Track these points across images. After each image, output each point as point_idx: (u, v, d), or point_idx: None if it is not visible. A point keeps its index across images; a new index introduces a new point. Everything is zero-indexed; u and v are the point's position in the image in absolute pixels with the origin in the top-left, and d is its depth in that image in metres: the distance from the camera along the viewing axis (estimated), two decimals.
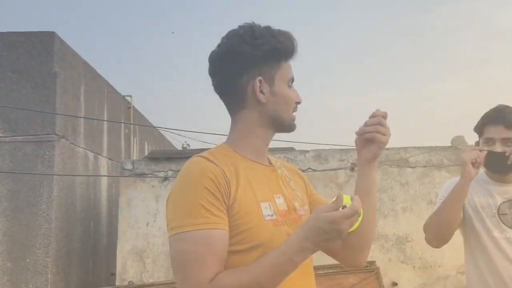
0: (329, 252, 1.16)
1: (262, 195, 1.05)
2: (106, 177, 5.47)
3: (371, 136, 1.09)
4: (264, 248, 0.98)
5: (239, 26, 1.09)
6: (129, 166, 4.19)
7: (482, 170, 1.70)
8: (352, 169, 4.15)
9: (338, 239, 0.96)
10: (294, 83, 1.14)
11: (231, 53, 1.08)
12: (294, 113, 1.13)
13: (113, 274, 4.94)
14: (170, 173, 4.19)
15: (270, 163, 1.16)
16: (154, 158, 4.21)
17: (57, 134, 4.17)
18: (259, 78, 1.07)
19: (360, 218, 0.99)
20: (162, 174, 4.17)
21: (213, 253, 0.94)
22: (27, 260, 3.95)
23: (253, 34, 1.06)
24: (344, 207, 0.93)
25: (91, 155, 5.03)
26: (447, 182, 1.83)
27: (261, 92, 1.08)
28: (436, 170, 4.09)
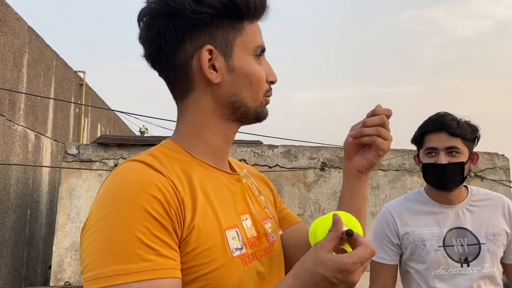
0: None
1: (227, 218, 0.74)
2: (49, 160, 4.90)
3: (370, 140, 0.82)
4: None
5: None
6: (73, 150, 3.68)
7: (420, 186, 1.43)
8: (322, 169, 3.85)
9: None
10: (265, 54, 0.81)
11: (165, 11, 0.73)
12: (267, 98, 0.81)
13: (51, 268, 4.44)
14: (121, 161, 3.72)
15: (232, 169, 0.85)
16: (103, 143, 3.72)
17: None
18: (208, 47, 0.74)
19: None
20: (112, 163, 3.70)
21: None
22: None
23: None
24: (349, 233, 0.68)
25: (31, 134, 4.46)
26: (380, 214, 1.59)
27: (212, 67, 0.75)
28: (408, 175, 3.88)
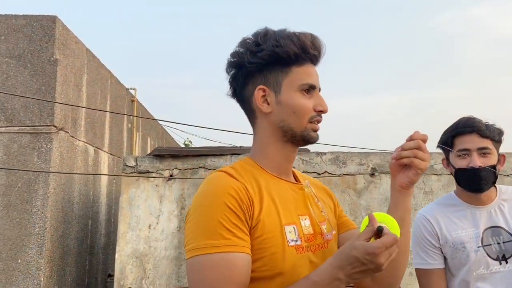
0: (356, 284, 1.06)
1: (287, 217, 0.96)
2: (106, 172, 5.17)
3: (409, 161, 0.99)
4: (285, 278, 0.90)
5: (252, 34, 1.02)
6: (132, 163, 3.89)
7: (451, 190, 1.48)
8: (372, 174, 3.85)
9: (375, 272, 0.86)
10: (318, 91, 1.02)
11: (235, 63, 1.02)
12: (313, 124, 1.00)
13: (111, 276, 4.66)
14: (175, 172, 3.89)
15: (296, 179, 1.07)
16: (159, 155, 3.91)
17: (55, 126, 3.88)
18: (261, 86, 1.00)
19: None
20: (167, 173, 3.87)
21: (235, 280, 0.86)
22: (19, 261, 3.66)
23: (255, 41, 0.99)
24: (379, 229, 0.86)
25: (91, 149, 4.74)
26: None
27: (265, 101, 1.00)
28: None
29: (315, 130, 1.01)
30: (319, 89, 1.02)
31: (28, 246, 3.68)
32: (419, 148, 0.98)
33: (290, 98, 0.98)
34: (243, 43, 1.01)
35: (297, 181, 1.06)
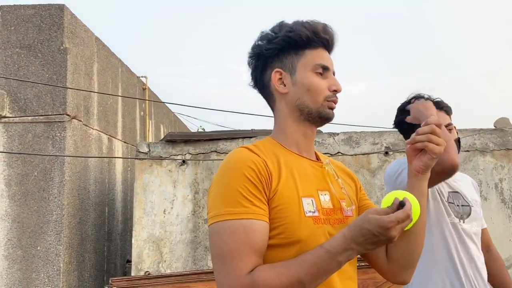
0: (372, 264, 1.10)
1: (305, 190, 1.01)
2: (121, 161, 5.22)
3: (423, 146, 1.03)
4: (302, 246, 0.95)
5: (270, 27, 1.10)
6: (145, 149, 3.91)
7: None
8: (386, 153, 3.80)
9: (387, 244, 0.94)
10: (332, 72, 1.09)
11: (254, 53, 1.11)
12: (329, 102, 1.06)
13: (129, 262, 4.74)
14: (188, 156, 3.90)
15: (318, 159, 1.12)
16: (171, 140, 3.92)
17: (68, 115, 3.91)
18: (277, 69, 1.07)
19: (414, 220, 0.95)
20: (179, 158, 3.89)
21: (252, 245, 0.91)
22: (38, 248, 3.74)
23: (272, 30, 1.08)
24: (401, 204, 0.89)
25: (105, 137, 4.78)
26: (390, 165, 1.73)
27: (282, 83, 1.07)
28: (480, 155, 3.72)
29: (331, 108, 1.06)
30: (333, 73, 1.09)
31: (46, 233, 3.75)
32: (433, 132, 1.01)
33: (304, 78, 1.05)
34: (261, 35, 1.10)
35: (318, 160, 1.12)
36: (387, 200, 0.95)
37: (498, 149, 3.70)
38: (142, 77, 6.36)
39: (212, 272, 3.63)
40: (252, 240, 0.91)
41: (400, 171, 1.56)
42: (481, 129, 3.78)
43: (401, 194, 0.94)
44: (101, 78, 4.75)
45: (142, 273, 3.69)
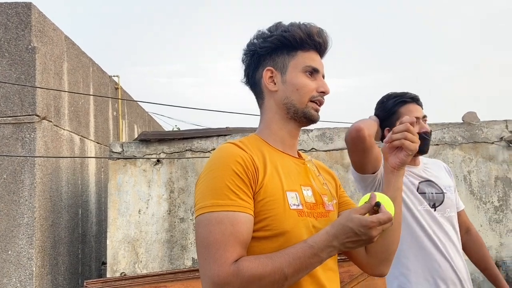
0: (352, 258, 1.14)
1: (289, 184, 1.04)
2: (94, 162, 5.13)
3: (400, 143, 1.10)
4: (287, 237, 0.97)
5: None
6: (118, 149, 3.86)
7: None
8: None
9: (367, 244, 0.96)
10: (321, 75, 1.12)
11: (248, 51, 1.14)
12: (314, 103, 1.10)
13: (104, 264, 4.67)
14: (162, 155, 3.88)
15: (300, 156, 1.16)
16: (145, 140, 3.88)
17: (38, 116, 3.82)
18: (269, 68, 1.10)
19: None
20: (154, 157, 3.85)
21: (237, 236, 0.94)
22: (9, 252, 3.64)
23: (268, 29, 1.11)
24: (377, 205, 0.94)
25: (77, 138, 4.68)
26: None
27: (272, 81, 1.10)
28: (449, 148, 3.84)
29: (316, 110, 1.10)
30: (323, 76, 1.13)
31: (17, 237, 3.65)
32: (408, 130, 1.08)
33: (294, 78, 1.09)
34: (258, 33, 1.13)
35: (300, 158, 1.16)
36: (364, 200, 1.00)
37: (466, 142, 3.83)
38: (114, 76, 6.26)
39: (189, 271, 3.60)
40: (238, 231, 0.94)
41: None
42: (450, 123, 3.89)
43: (378, 196, 0.98)
44: (72, 77, 4.66)
45: (118, 275, 3.65)
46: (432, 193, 1.69)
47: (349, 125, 4.07)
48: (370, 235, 0.92)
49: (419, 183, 1.70)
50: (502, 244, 3.69)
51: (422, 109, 1.72)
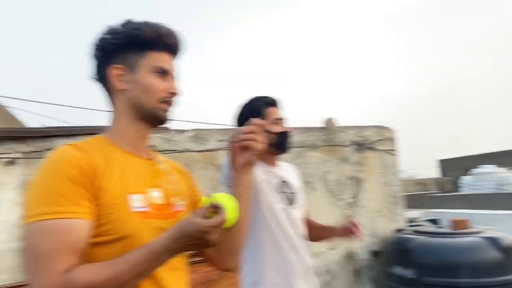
0: (203, 255, 1.17)
1: (133, 187, 1.02)
2: None
3: (247, 144, 1.14)
4: (129, 241, 0.96)
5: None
6: None
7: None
8: None
9: (205, 247, 0.96)
10: (172, 76, 1.11)
11: (96, 44, 1.10)
12: (163, 104, 1.09)
13: None
14: (17, 155, 3.48)
15: (150, 158, 1.14)
16: None
17: None
18: (118, 66, 1.08)
19: (236, 217, 1.04)
20: (6, 157, 3.44)
21: (68, 244, 0.90)
22: None
23: (119, 25, 1.09)
24: (215, 206, 0.96)
25: None
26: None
27: (121, 80, 1.08)
28: (310, 151, 4.19)
29: (165, 110, 1.09)
30: (175, 77, 1.12)
31: None
32: (255, 132, 1.14)
33: (143, 78, 1.07)
34: (108, 29, 1.10)
35: (151, 159, 1.15)
36: (205, 201, 1.03)
37: (325, 145, 4.23)
38: None
39: None
40: (69, 239, 0.90)
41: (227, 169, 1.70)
42: (312, 127, 4.26)
43: (219, 197, 1.02)
44: None
45: None
46: (288, 193, 1.83)
47: (221, 127, 4.04)
48: (207, 239, 0.93)
49: (278, 182, 1.82)
50: None
51: (281, 111, 1.84)
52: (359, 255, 4.10)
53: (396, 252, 3.49)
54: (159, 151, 4.16)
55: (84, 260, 0.92)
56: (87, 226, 0.93)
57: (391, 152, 4.37)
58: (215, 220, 0.93)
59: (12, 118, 7.73)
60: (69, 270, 0.89)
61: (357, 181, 4.26)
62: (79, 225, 0.92)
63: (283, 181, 1.85)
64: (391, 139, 4.40)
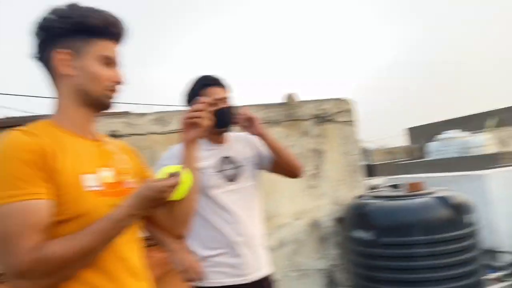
0: (155, 224, 1.27)
1: (85, 167, 1.07)
2: None
3: (196, 120, 1.28)
4: (86, 218, 1.02)
5: (64, 4, 1.11)
6: None
7: None
8: None
9: (160, 205, 1.10)
10: (116, 64, 1.16)
11: (42, 26, 1.11)
12: (108, 91, 1.15)
13: None
14: None
15: (97, 139, 1.20)
16: None
17: None
18: (63, 50, 1.10)
19: (187, 187, 1.19)
20: None
21: (33, 223, 0.96)
22: None
23: (65, 9, 1.10)
24: (173, 174, 1.10)
25: None
26: (167, 151, 2.03)
27: (67, 65, 1.10)
28: (272, 126, 4.31)
29: (110, 97, 1.16)
30: (118, 64, 1.17)
31: None
32: (204, 110, 1.29)
33: (89, 66, 1.11)
34: (53, 10, 1.10)
35: (98, 140, 1.21)
36: (163, 172, 1.15)
37: (286, 120, 4.35)
38: None
39: None
40: (34, 219, 0.96)
41: (165, 162, 1.80)
42: (272, 103, 4.37)
43: (174, 168, 1.15)
44: None
45: None
46: (229, 169, 1.92)
47: (180, 108, 4.15)
48: (164, 196, 1.07)
49: (218, 160, 1.92)
50: (318, 206, 4.35)
51: (225, 90, 1.93)
52: (323, 222, 4.30)
53: (356, 217, 3.68)
54: (122, 136, 4.17)
55: (49, 238, 0.98)
56: (47, 205, 0.99)
57: (350, 123, 4.54)
58: (170, 180, 1.07)
59: None
60: (39, 247, 0.95)
61: (318, 153, 4.41)
62: (40, 205, 0.98)
63: (225, 157, 1.94)
64: (349, 111, 4.55)
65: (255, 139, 2.06)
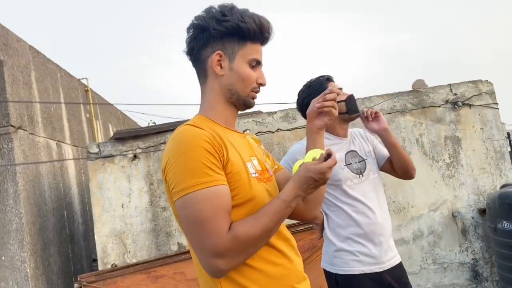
0: (295, 210, 1.27)
1: (245, 156, 1.15)
2: (73, 165, 5.30)
3: (329, 110, 1.26)
4: (254, 202, 1.10)
5: (218, 5, 1.17)
6: (94, 149, 4.06)
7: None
8: None
9: (323, 185, 1.13)
10: (261, 66, 1.21)
11: (199, 26, 1.16)
12: (253, 93, 1.20)
13: (95, 261, 4.89)
14: (138, 151, 4.10)
15: (239, 132, 1.27)
16: (120, 138, 4.08)
17: (13, 126, 3.97)
18: (218, 51, 1.15)
19: None
20: (130, 153, 4.07)
21: (224, 207, 1.04)
22: (3, 258, 3.83)
23: (222, 11, 1.14)
24: (329, 154, 1.12)
25: (53, 143, 4.84)
26: (294, 146, 2.06)
27: (219, 65, 1.16)
28: (400, 115, 4.18)
29: (254, 98, 1.22)
30: (262, 66, 1.24)
31: (9, 243, 3.84)
32: (333, 99, 1.28)
33: (241, 67, 1.17)
34: (210, 11, 1.16)
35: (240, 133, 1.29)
36: (309, 156, 1.17)
37: (416, 108, 4.17)
38: (82, 79, 6.37)
39: (176, 255, 3.88)
40: (224, 202, 1.04)
41: (296, 156, 1.89)
42: (400, 92, 4.23)
43: (318, 151, 1.18)
44: (41, 85, 4.78)
45: (109, 267, 3.89)
46: (356, 163, 1.99)
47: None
48: (326, 178, 1.09)
49: (345, 154, 1.99)
50: (456, 197, 4.08)
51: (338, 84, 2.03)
52: (464, 214, 4.02)
53: (501, 207, 3.39)
54: (255, 134, 4.49)
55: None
56: (229, 191, 1.07)
57: (490, 105, 4.15)
58: (328, 162, 1.09)
59: (126, 118, 8.80)
60: (232, 227, 1.03)
61: (455, 140, 4.14)
62: (225, 190, 1.05)
63: (351, 151, 2.01)
64: (489, 92, 4.16)
65: (372, 137, 2.12)
